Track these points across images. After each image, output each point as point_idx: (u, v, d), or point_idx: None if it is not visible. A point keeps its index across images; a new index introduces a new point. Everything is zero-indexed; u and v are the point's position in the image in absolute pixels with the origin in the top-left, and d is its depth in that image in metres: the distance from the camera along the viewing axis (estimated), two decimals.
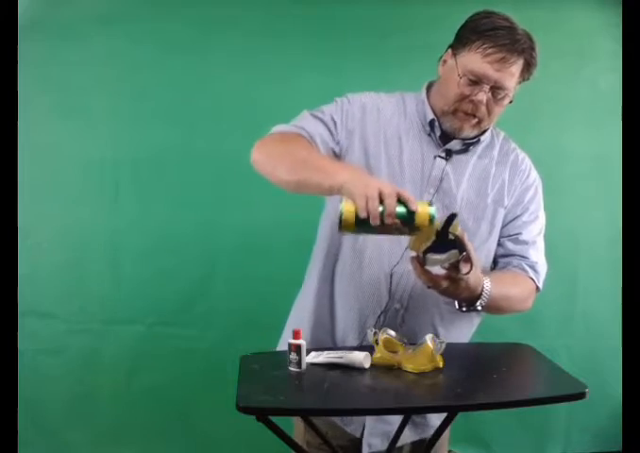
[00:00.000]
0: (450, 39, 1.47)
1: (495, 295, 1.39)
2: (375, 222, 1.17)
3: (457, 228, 1.25)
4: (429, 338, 1.29)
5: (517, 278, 1.52)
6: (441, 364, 1.28)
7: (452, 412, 1.22)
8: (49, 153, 2.31)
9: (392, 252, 1.45)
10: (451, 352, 1.31)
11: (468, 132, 1.47)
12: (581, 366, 2.18)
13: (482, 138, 1.52)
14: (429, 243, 1.24)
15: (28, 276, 2.05)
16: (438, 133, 1.49)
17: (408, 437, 1.54)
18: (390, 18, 2.32)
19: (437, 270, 1.30)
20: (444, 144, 1.49)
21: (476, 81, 1.40)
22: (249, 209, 2.30)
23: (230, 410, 1.14)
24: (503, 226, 1.53)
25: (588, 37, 2.42)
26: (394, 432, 1.48)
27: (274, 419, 1.16)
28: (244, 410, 1.10)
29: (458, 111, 1.45)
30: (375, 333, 1.33)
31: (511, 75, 1.41)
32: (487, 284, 1.37)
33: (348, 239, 1.48)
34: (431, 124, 1.49)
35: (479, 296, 1.37)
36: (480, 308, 1.39)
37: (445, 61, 1.48)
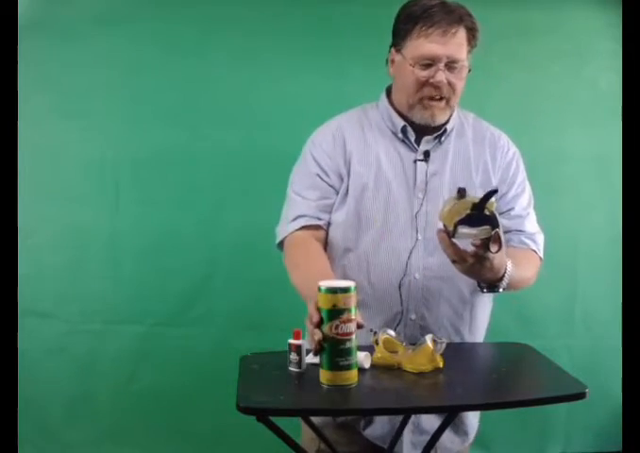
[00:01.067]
0: None
1: (514, 277, 1.39)
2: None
3: (493, 205, 1.22)
4: (429, 338, 1.29)
5: (529, 258, 1.53)
6: (441, 364, 1.28)
7: (452, 412, 1.22)
8: (49, 153, 2.31)
9: (396, 266, 1.46)
10: (451, 352, 1.31)
11: (441, 117, 1.47)
12: (581, 366, 2.18)
13: (449, 126, 1.52)
14: (462, 216, 1.21)
15: (28, 276, 2.05)
16: (413, 138, 1.50)
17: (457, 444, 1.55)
18: (390, 18, 2.32)
19: (464, 245, 1.28)
20: (418, 145, 1.50)
21: (429, 63, 1.41)
22: (249, 210, 2.30)
23: (230, 410, 1.14)
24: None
25: (588, 37, 2.42)
26: (438, 441, 1.47)
27: (274, 419, 1.16)
28: (244, 410, 1.10)
29: (423, 99, 1.45)
30: (375, 333, 1.33)
31: (459, 46, 1.42)
32: (510, 267, 1.36)
33: (352, 257, 1.49)
34: (404, 130, 1.50)
35: (501, 278, 1.37)
36: (501, 289, 1.39)
37: (392, 61, 1.49)
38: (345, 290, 1.16)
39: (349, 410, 1.23)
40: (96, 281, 2.35)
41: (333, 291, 1.16)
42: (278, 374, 1.27)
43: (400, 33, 1.45)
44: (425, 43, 1.40)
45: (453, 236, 1.23)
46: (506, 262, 1.36)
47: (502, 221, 1.50)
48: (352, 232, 1.49)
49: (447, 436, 1.49)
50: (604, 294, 2.42)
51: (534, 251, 1.54)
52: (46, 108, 2.29)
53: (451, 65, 1.42)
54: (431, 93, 1.44)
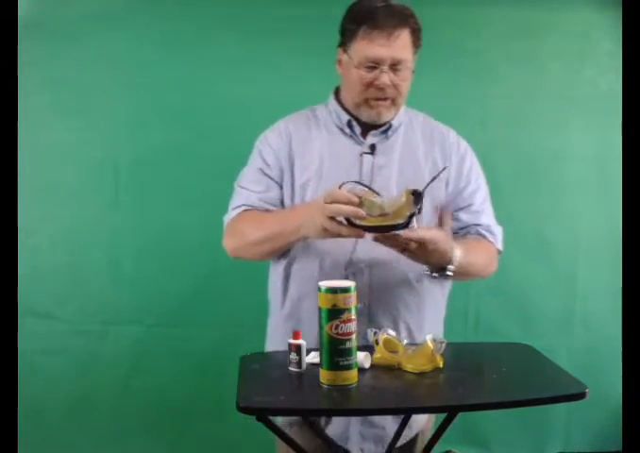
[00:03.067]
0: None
1: (463, 261, 1.42)
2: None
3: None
4: (429, 338, 1.29)
5: (483, 247, 1.55)
6: (441, 364, 1.28)
7: (452, 412, 1.22)
8: (49, 153, 2.31)
9: (342, 256, 1.47)
10: (451, 352, 1.31)
11: (387, 115, 1.50)
12: (580, 366, 2.18)
13: (395, 122, 1.53)
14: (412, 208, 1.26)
15: (28, 276, 2.05)
16: (358, 130, 1.53)
17: (405, 437, 1.54)
18: None
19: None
20: (365, 140, 1.52)
21: (373, 66, 1.44)
22: None
23: (230, 410, 1.14)
24: (452, 201, 1.56)
25: (588, 37, 2.42)
26: (387, 436, 1.49)
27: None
28: (244, 410, 1.10)
29: (369, 100, 1.48)
30: (375, 333, 1.33)
31: (402, 48, 1.44)
32: (457, 250, 1.40)
33: (302, 248, 1.50)
34: (349, 124, 1.53)
35: (449, 261, 1.40)
36: (450, 273, 1.42)
37: (340, 61, 1.53)
38: (345, 290, 1.17)
39: (349, 410, 1.23)
40: (96, 281, 2.35)
41: (333, 291, 1.16)
42: (278, 374, 1.27)
43: (346, 33, 1.48)
44: (369, 46, 1.43)
45: (406, 227, 1.26)
46: (452, 246, 1.40)
47: (462, 216, 1.57)
48: None
49: (393, 428, 1.50)
50: (604, 294, 2.42)
51: (491, 242, 1.57)
52: (46, 107, 2.29)
53: (395, 67, 1.44)
54: (376, 95, 1.47)
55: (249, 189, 1.54)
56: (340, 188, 1.28)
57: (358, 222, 1.26)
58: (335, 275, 1.45)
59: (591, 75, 2.44)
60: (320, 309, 1.18)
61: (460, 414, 1.22)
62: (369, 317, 1.48)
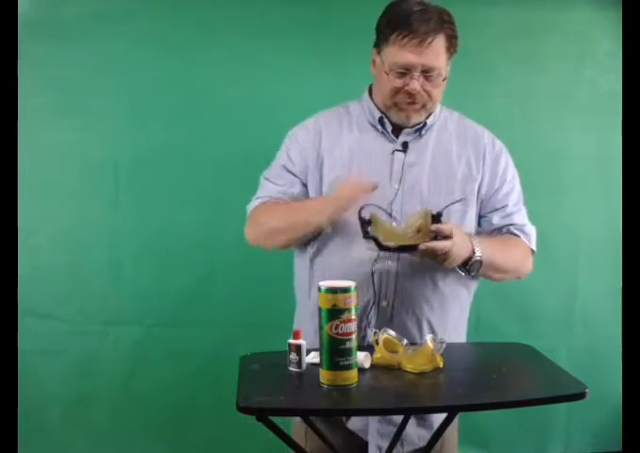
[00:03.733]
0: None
1: (489, 256, 1.42)
2: None
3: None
4: (429, 338, 1.29)
5: (510, 241, 1.54)
6: (441, 364, 1.28)
7: (452, 412, 1.22)
8: (49, 153, 2.30)
9: (370, 252, 1.45)
10: (451, 352, 1.31)
11: (417, 118, 1.50)
12: (580, 366, 2.18)
13: (429, 121, 1.53)
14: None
15: (28, 276, 2.05)
16: (390, 128, 1.52)
17: (424, 440, 1.53)
18: None
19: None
20: (397, 138, 1.52)
21: (404, 72, 1.43)
22: None
23: (230, 410, 1.14)
24: (486, 201, 1.55)
25: (588, 37, 2.42)
26: (407, 435, 1.49)
27: (274, 419, 1.16)
28: (244, 410, 1.10)
29: (398, 104, 1.48)
30: (375, 333, 1.33)
31: (435, 55, 1.43)
32: (479, 250, 1.40)
33: (327, 242, 1.52)
34: (381, 121, 1.53)
35: (468, 261, 1.41)
36: (472, 272, 1.43)
37: (374, 61, 1.52)
38: (345, 290, 1.17)
39: (349, 410, 1.23)
40: (96, 281, 2.35)
41: (333, 291, 1.17)
42: (278, 374, 1.27)
43: (381, 36, 1.47)
44: (400, 52, 1.42)
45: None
46: (470, 248, 1.40)
47: (495, 218, 1.56)
48: None
49: (415, 431, 1.52)
50: (604, 294, 2.42)
51: (524, 242, 1.56)
52: (46, 107, 2.28)
53: (427, 73, 1.43)
54: (406, 100, 1.47)
55: (272, 182, 1.57)
56: (360, 210, 1.33)
57: (385, 242, 1.32)
58: (361, 269, 1.46)
59: (591, 75, 2.43)
60: (320, 309, 1.18)
61: (460, 414, 1.22)
62: (391, 314, 1.49)
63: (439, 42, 1.41)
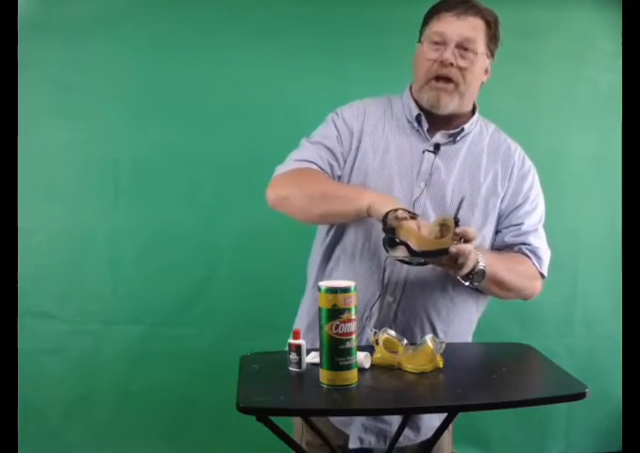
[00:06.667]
0: None
1: (493, 269, 1.40)
2: None
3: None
4: (429, 338, 1.29)
5: (517, 259, 1.52)
6: (441, 364, 1.28)
7: (452, 412, 1.22)
8: (49, 153, 2.30)
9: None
10: (451, 352, 1.31)
11: (446, 101, 1.48)
12: (581, 366, 2.18)
13: (467, 127, 1.53)
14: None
15: (28, 276, 2.05)
16: (426, 127, 1.52)
17: (409, 440, 1.54)
18: (390, 18, 2.32)
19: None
20: (431, 138, 1.52)
21: (439, 42, 1.46)
22: (249, 210, 2.29)
23: (230, 410, 1.14)
24: (504, 217, 1.54)
25: (589, 37, 2.42)
26: (392, 432, 1.49)
27: (274, 419, 1.16)
28: (244, 410, 1.10)
29: (431, 80, 1.48)
30: (375, 333, 1.33)
31: (471, 29, 1.46)
32: (481, 256, 1.37)
33: (347, 234, 1.50)
34: (418, 118, 1.52)
35: (471, 271, 1.38)
36: (476, 278, 1.39)
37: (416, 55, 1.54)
38: (345, 290, 1.17)
39: (349, 410, 1.23)
40: (96, 281, 2.35)
41: (333, 291, 1.17)
42: (278, 374, 1.27)
43: (423, 27, 1.52)
44: (437, 23, 1.47)
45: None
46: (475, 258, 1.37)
47: (510, 235, 1.53)
48: None
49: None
50: (604, 294, 2.42)
51: (534, 264, 1.53)
52: (46, 107, 2.28)
53: (463, 46, 1.45)
54: (440, 72, 1.46)
55: (318, 148, 1.53)
56: (386, 216, 1.32)
57: (418, 248, 1.28)
58: (373, 264, 1.47)
59: (591, 75, 2.43)
60: (320, 309, 1.18)
61: (460, 414, 1.22)
62: (396, 312, 1.48)
63: (476, 22, 1.46)
